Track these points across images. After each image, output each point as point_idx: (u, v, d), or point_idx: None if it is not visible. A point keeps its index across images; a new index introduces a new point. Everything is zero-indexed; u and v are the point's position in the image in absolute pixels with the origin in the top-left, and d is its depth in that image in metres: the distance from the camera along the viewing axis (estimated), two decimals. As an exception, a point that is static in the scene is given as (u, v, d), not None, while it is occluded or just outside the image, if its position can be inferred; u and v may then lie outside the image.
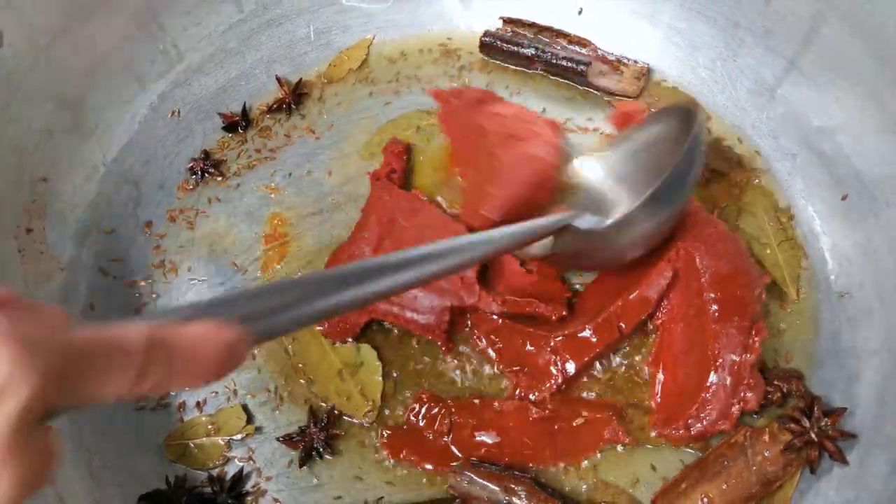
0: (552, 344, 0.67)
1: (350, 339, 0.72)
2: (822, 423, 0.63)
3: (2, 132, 0.71)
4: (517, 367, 0.69)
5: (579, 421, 0.66)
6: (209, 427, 0.70)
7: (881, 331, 0.66)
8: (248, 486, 0.67)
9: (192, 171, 0.81)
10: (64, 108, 0.75)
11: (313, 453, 0.67)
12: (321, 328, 0.72)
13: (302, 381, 0.72)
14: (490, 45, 0.85)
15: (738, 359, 0.63)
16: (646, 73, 0.82)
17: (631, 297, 0.67)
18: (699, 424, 0.64)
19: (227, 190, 0.81)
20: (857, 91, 0.70)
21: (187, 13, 0.82)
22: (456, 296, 0.68)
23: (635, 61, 0.82)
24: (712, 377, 0.64)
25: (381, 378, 0.70)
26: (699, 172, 0.65)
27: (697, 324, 0.66)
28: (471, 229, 0.72)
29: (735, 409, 0.63)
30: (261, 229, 0.79)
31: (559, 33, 0.84)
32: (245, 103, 0.84)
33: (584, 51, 0.83)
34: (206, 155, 0.82)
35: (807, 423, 0.63)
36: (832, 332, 0.69)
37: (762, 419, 0.66)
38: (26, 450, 0.30)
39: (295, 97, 0.84)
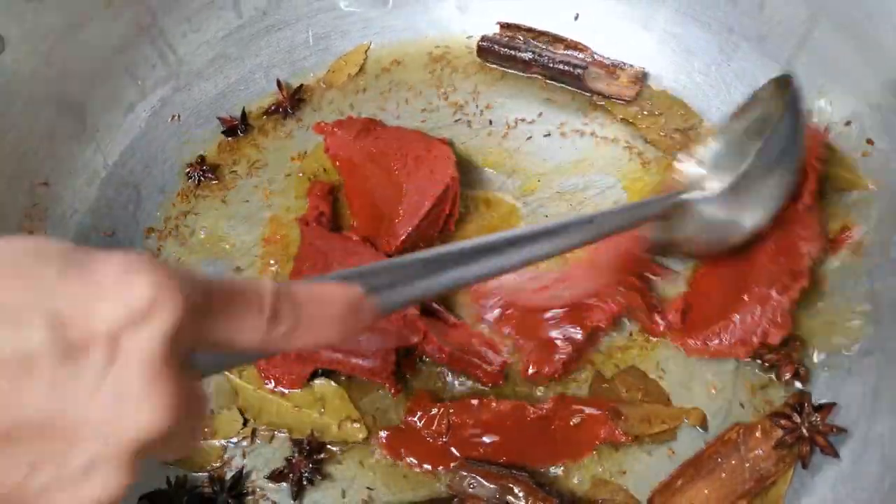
0: (558, 315, 0.69)
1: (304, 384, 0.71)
2: (813, 419, 0.63)
3: (3, 136, 0.72)
4: (526, 340, 0.70)
5: (576, 420, 0.67)
6: (205, 430, 0.70)
7: (876, 330, 0.67)
8: (248, 487, 0.68)
9: (189, 175, 0.82)
10: (65, 113, 0.76)
11: (304, 482, 0.67)
12: (264, 373, 0.71)
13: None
14: (487, 50, 0.86)
15: (776, 297, 0.65)
16: (642, 77, 0.83)
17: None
18: (717, 341, 0.66)
19: (226, 193, 0.82)
20: (851, 93, 0.70)
21: (187, 19, 0.83)
22: (399, 336, 0.67)
23: (631, 65, 0.83)
24: (746, 305, 0.66)
25: (347, 400, 0.70)
26: (802, 134, 0.65)
27: (748, 254, 0.67)
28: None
29: (755, 339, 0.65)
30: (259, 232, 0.80)
31: (556, 38, 0.85)
32: (244, 108, 0.85)
33: (580, 55, 0.84)
34: (203, 160, 0.83)
35: (798, 419, 0.63)
36: (828, 331, 0.70)
37: (755, 416, 0.67)
38: (174, 382, 0.29)
39: (293, 102, 0.85)
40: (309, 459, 0.67)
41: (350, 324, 0.38)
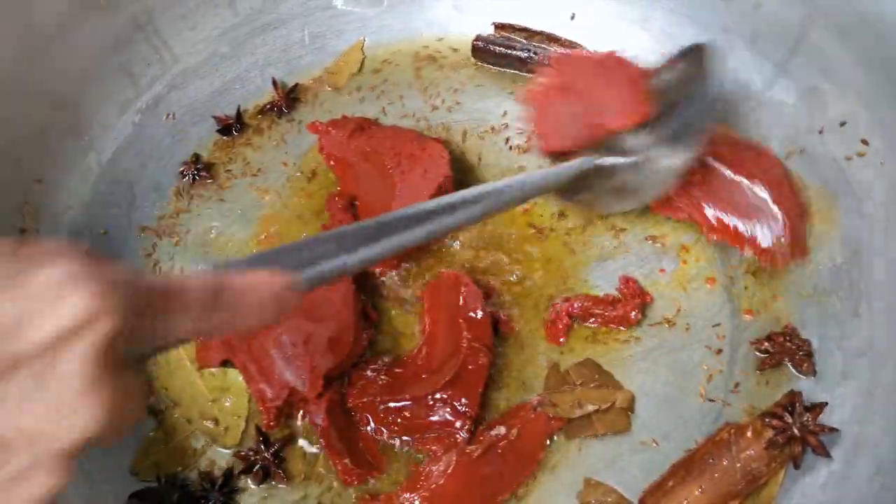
0: (440, 397, 0.66)
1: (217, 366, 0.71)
2: (805, 419, 0.63)
3: (-3, 133, 0.72)
4: (421, 437, 0.67)
5: (514, 433, 0.66)
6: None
7: (868, 331, 0.67)
8: (238, 485, 0.67)
9: (184, 174, 0.82)
10: (59, 110, 0.76)
11: (270, 470, 0.67)
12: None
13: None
14: (482, 50, 0.86)
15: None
16: None
17: (469, 315, 0.68)
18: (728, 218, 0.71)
19: (221, 192, 0.82)
20: (846, 95, 0.70)
21: (183, 17, 0.83)
22: (300, 380, 0.66)
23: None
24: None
25: (247, 404, 0.70)
26: (714, 107, 0.69)
27: None
28: None
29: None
30: (253, 230, 0.80)
31: (550, 37, 0.85)
32: (239, 106, 0.85)
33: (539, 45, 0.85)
34: (197, 158, 0.83)
35: (789, 419, 0.63)
36: (821, 332, 0.70)
37: (747, 416, 0.67)
38: (110, 384, 0.31)
39: (288, 101, 0.85)
40: (269, 451, 0.67)
41: (278, 307, 0.41)
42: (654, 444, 0.67)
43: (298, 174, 0.82)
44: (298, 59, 0.89)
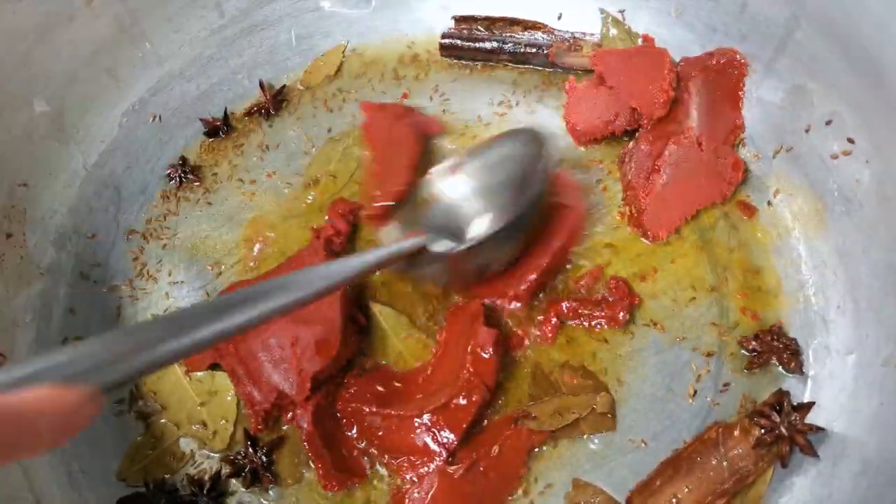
0: (425, 422, 0.66)
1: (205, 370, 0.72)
2: (792, 418, 0.63)
3: (-19, 138, 0.72)
4: (398, 456, 0.67)
5: (496, 449, 0.66)
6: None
7: (855, 331, 0.67)
8: (226, 488, 0.67)
9: (170, 177, 0.82)
10: (44, 114, 0.76)
11: (259, 473, 0.67)
12: None
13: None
14: (451, 47, 0.87)
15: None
16: (601, 45, 0.84)
17: (477, 352, 0.67)
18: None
19: (208, 194, 0.82)
20: (831, 93, 0.70)
21: (168, 19, 0.83)
22: (288, 383, 0.66)
23: (592, 33, 0.84)
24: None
25: (235, 408, 0.70)
26: (539, 200, 0.70)
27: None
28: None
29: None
30: (241, 233, 0.79)
31: (513, 21, 0.86)
32: (226, 109, 0.85)
33: (541, 35, 0.85)
34: (184, 161, 0.83)
35: (777, 418, 0.63)
36: (807, 332, 0.70)
37: (735, 416, 0.67)
38: None
39: (275, 103, 0.85)
40: (259, 453, 0.67)
41: (73, 425, 0.36)
42: (643, 444, 0.67)
43: (283, 175, 0.82)
44: (286, 61, 0.88)
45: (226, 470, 0.67)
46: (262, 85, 0.86)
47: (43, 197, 0.77)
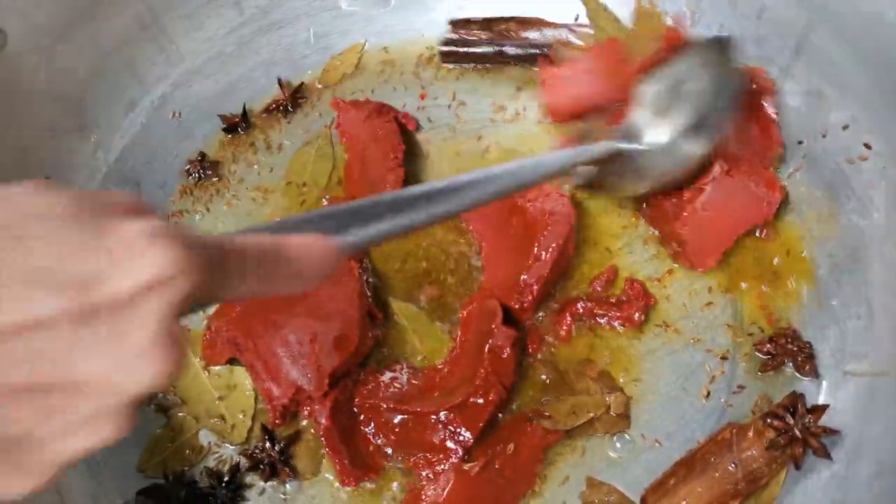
0: (442, 419, 0.66)
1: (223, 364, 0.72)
2: (806, 420, 0.64)
3: (4, 132, 0.72)
4: (415, 453, 0.67)
5: (511, 447, 0.67)
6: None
7: (869, 335, 0.67)
8: (245, 481, 0.68)
9: (189, 173, 0.82)
10: (66, 109, 0.77)
11: (276, 467, 0.68)
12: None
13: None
14: (451, 54, 0.87)
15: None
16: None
17: (495, 352, 0.68)
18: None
19: (226, 190, 0.82)
20: (848, 97, 0.71)
21: (188, 16, 0.84)
22: (306, 379, 0.67)
23: (581, 23, 0.84)
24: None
25: (253, 402, 0.71)
26: (735, 102, 0.70)
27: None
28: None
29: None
30: (260, 229, 0.80)
31: (510, 19, 0.86)
32: (245, 105, 0.85)
33: (542, 33, 0.85)
34: (203, 156, 0.83)
35: (791, 420, 0.64)
36: (822, 335, 0.70)
37: (749, 417, 0.68)
38: (176, 340, 0.32)
39: (293, 101, 0.86)
40: (275, 448, 0.68)
41: (324, 269, 0.41)
42: (657, 444, 0.68)
43: (301, 173, 0.82)
44: (303, 60, 0.89)
45: (244, 463, 0.68)
46: (280, 83, 0.86)
47: (64, 191, 0.77)
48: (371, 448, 0.68)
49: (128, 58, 0.81)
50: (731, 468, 0.64)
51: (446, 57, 0.87)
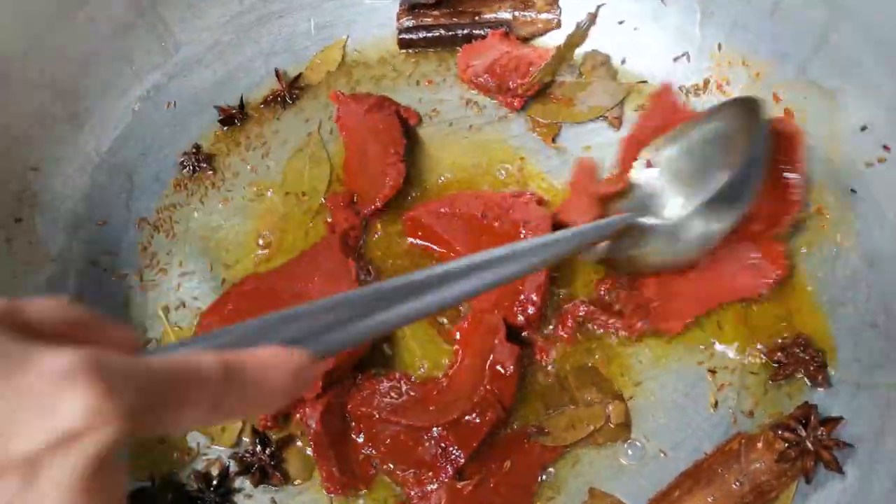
0: (435, 436, 0.64)
1: None
2: (819, 432, 0.61)
3: (-7, 121, 0.70)
4: (404, 468, 0.64)
5: (507, 465, 0.64)
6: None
7: (885, 343, 0.65)
8: (233, 485, 0.66)
9: (184, 165, 0.80)
10: (57, 97, 0.74)
11: (267, 471, 0.66)
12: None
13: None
14: (408, 42, 0.85)
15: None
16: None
17: (497, 368, 0.65)
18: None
19: (221, 184, 0.80)
20: (867, 98, 0.68)
21: (187, 4, 0.82)
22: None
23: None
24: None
25: None
26: (762, 173, 0.63)
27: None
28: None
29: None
30: (254, 224, 0.78)
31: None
32: (242, 97, 0.83)
33: (499, 14, 0.84)
34: (198, 149, 0.81)
35: (802, 432, 0.61)
36: (836, 344, 0.68)
37: (758, 428, 0.65)
38: (98, 495, 0.28)
39: (292, 91, 0.83)
40: (265, 452, 0.66)
41: (294, 389, 0.36)
42: (663, 455, 0.65)
43: (299, 166, 0.80)
44: (304, 50, 0.86)
45: (234, 467, 0.66)
46: (277, 73, 0.84)
47: (54, 182, 0.75)
48: (362, 457, 0.66)
49: (122, 46, 0.79)
50: (738, 480, 0.61)
51: (404, 45, 0.86)
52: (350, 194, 0.77)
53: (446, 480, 0.62)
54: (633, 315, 0.69)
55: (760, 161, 0.62)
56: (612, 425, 0.66)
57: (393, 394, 0.66)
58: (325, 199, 0.78)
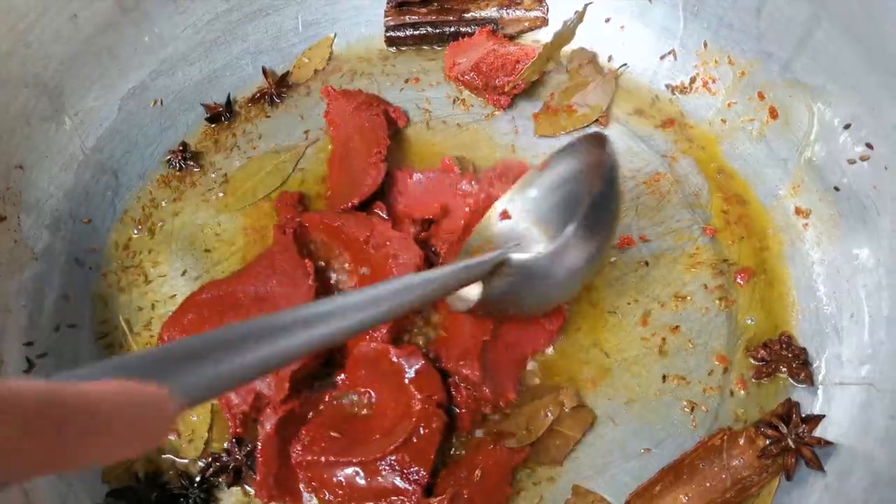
0: (390, 462, 0.62)
1: None
2: (800, 430, 0.62)
3: (-23, 118, 0.70)
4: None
5: (477, 473, 0.63)
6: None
7: (867, 342, 0.65)
8: (216, 482, 0.66)
9: (171, 162, 0.80)
10: (42, 95, 0.74)
11: (242, 471, 0.65)
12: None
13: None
14: (396, 39, 0.86)
15: None
16: None
17: (413, 375, 0.65)
18: None
19: (208, 181, 0.80)
20: (851, 95, 0.68)
21: (173, 1, 0.81)
22: (265, 384, 0.64)
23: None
24: None
25: (209, 413, 0.68)
26: (619, 199, 0.63)
27: None
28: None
29: None
30: (240, 222, 0.78)
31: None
32: (229, 95, 0.83)
33: (486, 12, 0.85)
34: (185, 146, 0.81)
35: (784, 429, 0.62)
36: (818, 342, 0.68)
37: (741, 425, 0.65)
38: None
39: (279, 89, 0.83)
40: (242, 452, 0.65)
41: (153, 427, 0.32)
42: (646, 451, 0.66)
43: (285, 164, 0.80)
44: (292, 48, 0.86)
45: (211, 468, 0.66)
46: (265, 71, 0.84)
47: (39, 180, 0.75)
48: (301, 484, 0.64)
49: (107, 43, 0.78)
50: (719, 476, 0.61)
51: (392, 43, 0.86)
52: (298, 194, 0.77)
53: (417, 501, 0.61)
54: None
55: (617, 186, 0.62)
56: (567, 409, 0.66)
57: (333, 433, 0.64)
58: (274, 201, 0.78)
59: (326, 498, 0.63)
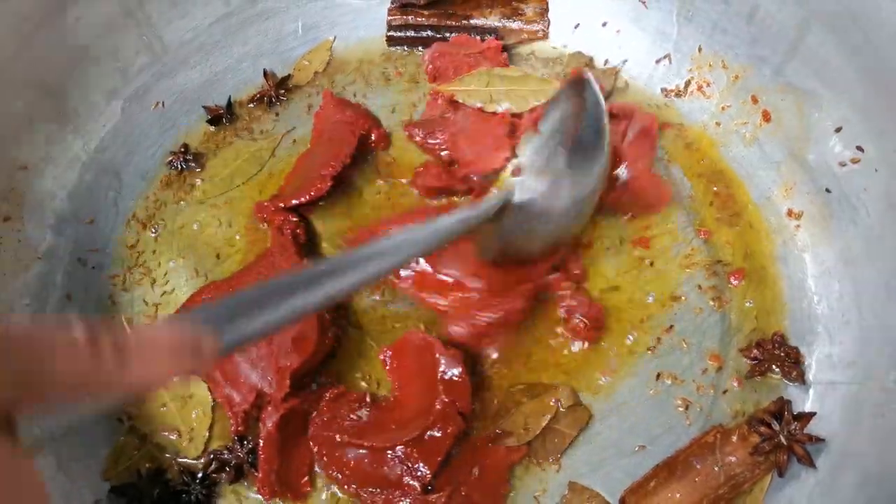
0: (399, 454, 0.64)
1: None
2: (792, 427, 0.63)
3: (-22, 120, 0.71)
4: (370, 489, 0.64)
5: (475, 471, 0.64)
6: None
7: (858, 341, 0.66)
8: (217, 478, 0.67)
9: (172, 164, 0.81)
10: (45, 96, 0.75)
11: (243, 469, 0.66)
12: None
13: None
14: (397, 39, 0.87)
15: None
16: (546, 8, 0.85)
17: (447, 378, 0.66)
18: None
19: (209, 182, 0.81)
20: (842, 99, 0.70)
21: (174, 4, 0.82)
22: (266, 381, 0.65)
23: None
24: None
25: (210, 412, 0.69)
26: (605, 131, 0.66)
27: None
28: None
29: None
30: (242, 222, 0.79)
31: (453, 3, 0.86)
32: (230, 97, 0.84)
33: (488, 20, 0.85)
34: (186, 148, 0.82)
35: (776, 426, 0.63)
36: (810, 341, 0.69)
37: (734, 423, 0.67)
38: None
39: (279, 92, 0.84)
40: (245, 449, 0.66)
41: (188, 357, 0.37)
42: (641, 448, 0.67)
43: (285, 165, 0.81)
44: (291, 51, 0.87)
45: (213, 465, 0.66)
46: (265, 74, 0.85)
47: (42, 181, 0.76)
48: (304, 479, 0.66)
49: (110, 45, 0.79)
50: (713, 472, 0.62)
51: (392, 41, 0.87)
52: (266, 203, 0.76)
53: (415, 497, 0.62)
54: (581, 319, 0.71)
55: (602, 118, 0.66)
56: (563, 409, 0.67)
57: (353, 416, 0.66)
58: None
59: (333, 474, 0.65)
